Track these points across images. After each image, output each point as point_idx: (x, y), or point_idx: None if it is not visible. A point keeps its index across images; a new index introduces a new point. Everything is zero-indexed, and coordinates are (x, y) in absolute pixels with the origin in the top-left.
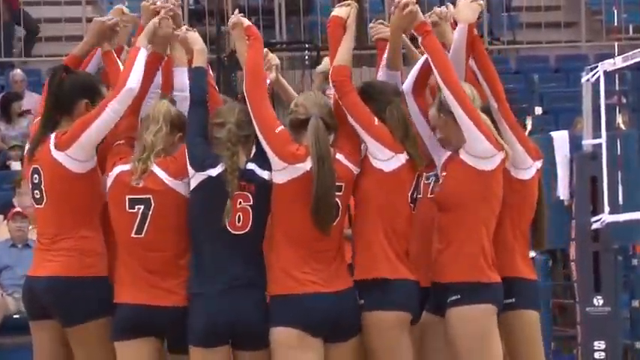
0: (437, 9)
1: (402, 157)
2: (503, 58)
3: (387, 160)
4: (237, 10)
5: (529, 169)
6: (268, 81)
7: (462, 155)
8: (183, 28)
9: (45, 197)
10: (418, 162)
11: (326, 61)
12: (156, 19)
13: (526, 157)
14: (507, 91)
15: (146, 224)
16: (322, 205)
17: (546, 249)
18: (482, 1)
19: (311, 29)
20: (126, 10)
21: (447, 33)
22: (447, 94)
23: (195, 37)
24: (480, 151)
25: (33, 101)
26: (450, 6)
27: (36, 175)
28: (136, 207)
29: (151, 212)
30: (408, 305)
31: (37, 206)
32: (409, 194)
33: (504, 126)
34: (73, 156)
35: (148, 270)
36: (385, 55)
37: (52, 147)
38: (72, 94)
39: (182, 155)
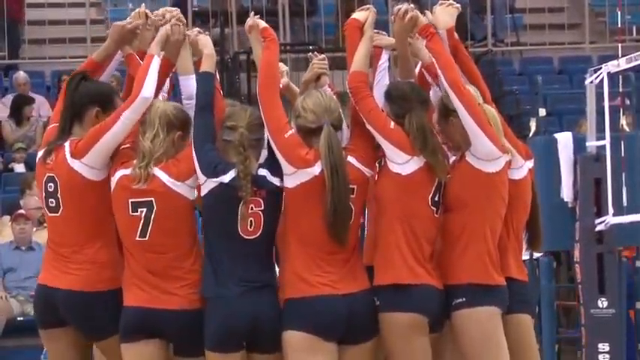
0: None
1: (420, 160)
2: (506, 59)
3: (403, 163)
4: (252, 13)
5: (520, 168)
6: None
7: (468, 157)
8: (195, 30)
9: (61, 206)
10: (438, 170)
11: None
12: (168, 26)
13: (516, 156)
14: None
15: (149, 227)
16: (338, 214)
17: (550, 250)
18: (458, 5)
19: (315, 31)
20: (148, 13)
21: (420, 50)
22: (452, 96)
23: (205, 40)
24: (486, 154)
25: (36, 103)
26: (428, 13)
27: (51, 184)
28: (139, 210)
29: (153, 215)
30: (424, 308)
31: (51, 215)
32: (430, 197)
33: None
34: (88, 164)
35: (151, 272)
36: (380, 61)
37: (67, 155)
38: (83, 100)
39: (185, 157)
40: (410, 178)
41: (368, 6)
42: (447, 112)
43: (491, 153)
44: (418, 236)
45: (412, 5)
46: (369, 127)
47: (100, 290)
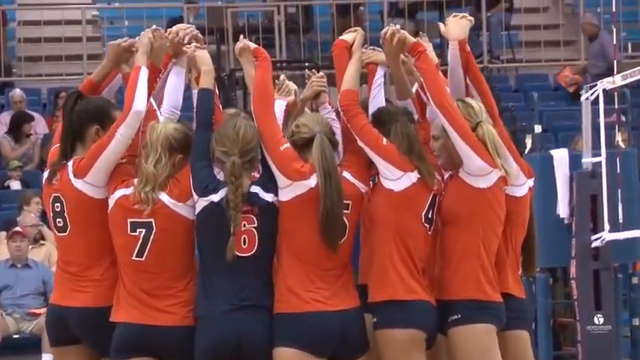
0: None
1: (413, 176)
2: (502, 76)
3: (396, 179)
4: (241, 36)
5: (522, 186)
6: (285, 103)
7: (461, 174)
8: (192, 45)
9: (69, 225)
10: (428, 179)
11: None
12: (149, 34)
13: (520, 173)
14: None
15: (147, 248)
16: (330, 221)
17: (547, 267)
18: (471, 17)
19: (311, 48)
20: (160, 29)
21: (414, 69)
22: (439, 115)
23: (203, 56)
24: (476, 169)
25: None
26: (441, 25)
27: (58, 204)
28: (138, 230)
29: (152, 236)
30: (422, 324)
31: (60, 234)
32: (423, 214)
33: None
34: (91, 183)
35: (144, 290)
36: (376, 77)
37: (70, 175)
38: (82, 119)
39: (186, 176)
40: (403, 194)
41: (356, 28)
42: (439, 130)
43: (481, 169)
44: (411, 253)
45: (398, 26)
46: (361, 144)
47: (110, 306)
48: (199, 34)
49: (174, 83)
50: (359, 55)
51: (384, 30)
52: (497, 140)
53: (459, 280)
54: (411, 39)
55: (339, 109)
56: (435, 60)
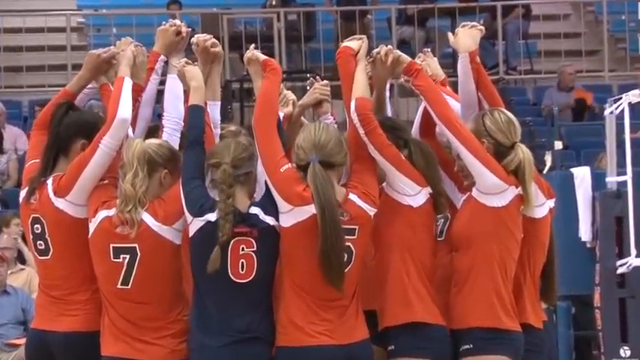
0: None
1: (428, 191)
2: (520, 88)
3: (415, 194)
4: (253, 46)
5: (541, 206)
6: (282, 114)
7: (474, 193)
8: (182, 60)
9: (51, 248)
10: (440, 205)
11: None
12: (133, 47)
13: (538, 193)
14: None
15: (132, 275)
16: (331, 261)
17: (568, 295)
18: (482, 27)
19: (313, 57)
20: (133, 41)
21: (435, 70)
22: (446, 132)
23: (193, 72)
24: (489, 187)
25: (12, 135)
26: (450, 35)
27: (37, 225)
28: (121, 256)
29: (137, 262)
30: (442, 353)
31: (41, 258)
32: (435, 231)
33: None
34: (74, 201)
35: (131, 321)
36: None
37: (51, 194)
38: (70, 133)
39: (173, 198)
40: (421, 210)
41: (361, 36)
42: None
43: (495, 186)
44: (428, 272)
45: (390, 46)
46: (379, 158)
47: (97, 330)
48: (217, 42)
49: (174, 92)
50: (364, 65)
51: (376, 50)
52: (533, 165)
53: (471, 305)
54: (406, 58)
55: (354, 119)
56: (441, 75)
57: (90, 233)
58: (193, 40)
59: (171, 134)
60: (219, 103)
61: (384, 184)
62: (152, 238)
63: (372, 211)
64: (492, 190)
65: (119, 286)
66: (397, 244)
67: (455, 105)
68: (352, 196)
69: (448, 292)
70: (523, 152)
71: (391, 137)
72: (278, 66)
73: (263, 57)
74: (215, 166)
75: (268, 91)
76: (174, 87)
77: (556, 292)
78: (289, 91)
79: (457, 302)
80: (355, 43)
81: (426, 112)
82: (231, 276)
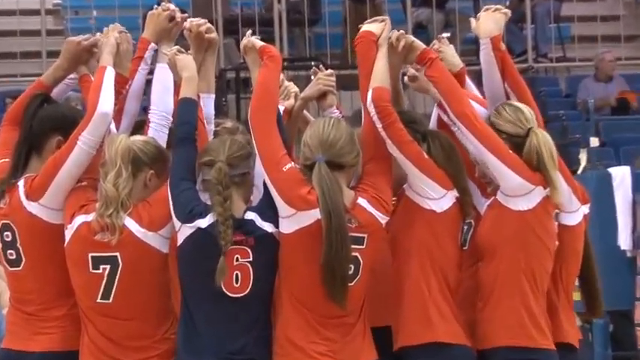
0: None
1: (454, 195)
2: (551, 78)
3: (439, 198)
4: (250, 32)
5: (575, 212)
6: (282, 107)
7: (498, 196)
8: (174, 48)
9: (23, 258)
10: (467, 205)
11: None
12: (117, 34)
13: (572, 197)
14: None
15: (114, 287)
16: (334, 270)
17: (606, 310)
18: (506, 10)
19: (318, 43)
20: (121, 27)
21: (428, 84)
22: (461, 128)
23: (185, 61)
24: (513, 188)
25: None
26: (472, 20)
27: (7, 233)
28: (101, 267)
29: (119, 273)
30: None
31: (12, 269)
32: (459, 238)
33: None
34: (48, 205)
35: (113, 340)
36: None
37: (22, 197)
38: (44, 128)
39: (159, 201)
40: (445, 216)
41: (383, 17)
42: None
43: (519, 187)
44: (450, 286)
45: (402, 31)
46: (400, 156)
47: (76, 350)
48: (212, 27)
49: (163, 82)
50: (386, 49)
51: (389, 34)
52: (554, 150)
53: (499, 322)
54: (420, 45)
55: (370, 111)
56: (458, 65)
57: (66, 241)
58: (186, 24)
59: (158, 130)
60: (213, 95)
61: (405, 186)
62: (136, 245)
63: (383, 218)
64: (517, 191)
65: (99, 300)
66: (417, 253)
67: (478, 107)
68: (361, 201)
69: (473, 307)
70: (537, 135)
71: (408, 132)
72: (277, 53)
73: (260, 43)
74: (208, 165)
75: (266, 81)
76: (163, 77)
77: (602, 304)
78: (291, 83)
79: (483, 319)
80: (377, 27)
81: (438, 118)
82: (224, 290)
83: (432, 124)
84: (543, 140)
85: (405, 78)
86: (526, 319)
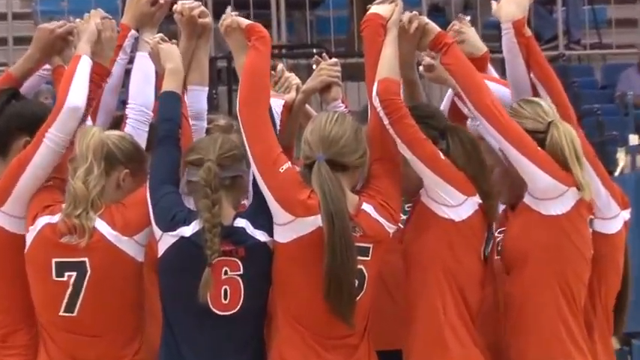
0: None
1: (475, 201)
2: (584, 67)
3: (458, 205)
4: (228, 9)
5: (614, 219)
6: (282, 102)
7: (526, 199)
8: (157, 36)
9: None
10: (491, 210)
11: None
12: (98, 20)
13: (610, 201)
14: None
15: (79, 298)
16: (340, 282)
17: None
18: None
19: (320, 28)
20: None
21: (475, 40)
22: (483, 122)
23: (169, 51)
24: (544, 190)
25: None
26: (493, 2)
27: None
28: (66, 274)
29: (86, 282)
30: None
31: None
32: (482, 250)
33: None
34: (10, 213)
35: None
36: None
37: None
38: (10, 127)
39: (136, 203)
40: (465, 226)
41: None
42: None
43: (551, 188)
44: (470, 305)
45: (416, 13)
46: (411, 157)
47: None
48: (206, 11)
49: (143, 73)
50: (396, 34)
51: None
52: (578, 144)
53: (533, 337)
54: (434, 28)
55: (376, 106)
56: (482, 49)
57: (27, 245)
58: (176, 7)
59: (137, 127)
60: (206, 88)
61: (421, 191)
62: (107, 251)
63: (390, 227)
64: (548, 193)
65: (62, 313)
66: (432, 268)
67: (499, 90)
68: (366, 207)
69: (494, 329)
70: (558, 127)
71: (422, 129)
72: (266, 33)
73: (246, 22)
74: (196, 164)
75: (256, 66)
76: (144, 67)
77: (624, 324)
78: (292, 74)
79: (513, 337)
80: (386, 8)
81: (453, 106)
82: (211, 307)
83: (445, 110)
84: (565, 132)
85: (420, 67)
86: (563, 334)
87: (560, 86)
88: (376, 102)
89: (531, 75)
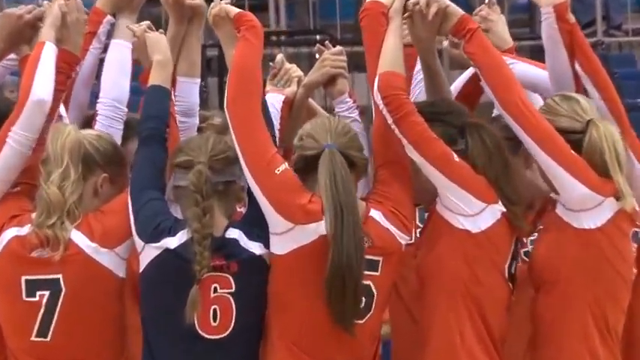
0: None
1: (497, 210)
2: (625, 56)
3: (475, 214)
4: None
5: None
6: (282, 97)
7: (558, 209)
8: (143, 24)
9: None
10: (517, 219)
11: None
12: (62, 1)
13: None
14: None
15: (54, 321)
16: (344, 280)
17: None
18: None
19: (324, 12)
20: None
21: (503, 31)
22: (510, 121)
23: (157, 41)
24: (577, 201)
25: None
26: None
27: None
28: (38, 294)
29: (61, 301)
30: None
31: None
32: (506, 266)
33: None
34: None
35: None
36: (416, 69)
37: None
38: None
39: (116, 211)
40: (485, 237)
41: None
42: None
43: (585, 199)
44: (490, 326)
45: None
46: (420, 160)
47: None
48: None
49: (119, 62)
50: (399, 22)
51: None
52: (621, 147)
53: None
54: (456, 10)
55: (378, 103)
56: (508, 42)
57: None
58: None
59: (108, 125)
60: (198, 80)
61: (438, 198)
62: (84, 265)
63: (402, 238)
64: (581, 204)
65: (34, 338)
66: (447, 287)
67: (539, 74)
68: (375, 214)
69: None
70: (598, 127)
71: (437, 129)
72: (257, 23)
73: (235, 10)
74: (185, 167)
75: (245, 59)
76: (119, 56)
77: None
78: (293, 65)
79: None
80: None
81: (469, 86)
82: (198, 330)
83: (455, 91)
84: (606, 133)
85: (445, 42)
86: None
87: (608, 79)
88: (378, 98)
89: (576, 66)
